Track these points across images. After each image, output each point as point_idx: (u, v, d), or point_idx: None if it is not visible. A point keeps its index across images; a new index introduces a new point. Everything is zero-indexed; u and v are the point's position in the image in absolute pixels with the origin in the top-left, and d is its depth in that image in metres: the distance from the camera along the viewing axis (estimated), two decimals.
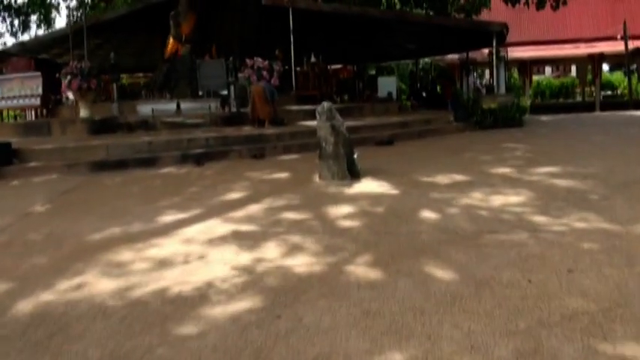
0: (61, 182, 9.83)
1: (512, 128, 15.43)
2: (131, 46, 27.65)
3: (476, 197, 6.69)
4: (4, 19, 24.79)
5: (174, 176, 9.90)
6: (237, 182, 8.77)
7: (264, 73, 14.85)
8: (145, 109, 14.50)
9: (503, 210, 6.03)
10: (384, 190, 7.42)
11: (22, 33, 25.71)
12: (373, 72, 32.54)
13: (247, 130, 13.51)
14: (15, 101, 19.36)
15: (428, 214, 6.01)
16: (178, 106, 14.51)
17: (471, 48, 24.38)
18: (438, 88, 24.18)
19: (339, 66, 33.10)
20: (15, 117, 22.94)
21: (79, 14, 22.79)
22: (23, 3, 25.81)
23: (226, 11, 21.06)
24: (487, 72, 31.30)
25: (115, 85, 15.33)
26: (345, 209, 6.45)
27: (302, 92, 19.54)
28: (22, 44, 24.07)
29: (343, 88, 29.93)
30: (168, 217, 6.64)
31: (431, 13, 24.15)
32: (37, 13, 26.13)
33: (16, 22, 25.49)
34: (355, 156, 8.34)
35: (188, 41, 20.45)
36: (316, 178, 8.36)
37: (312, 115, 15.85)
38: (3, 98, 19.36)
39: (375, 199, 6.90)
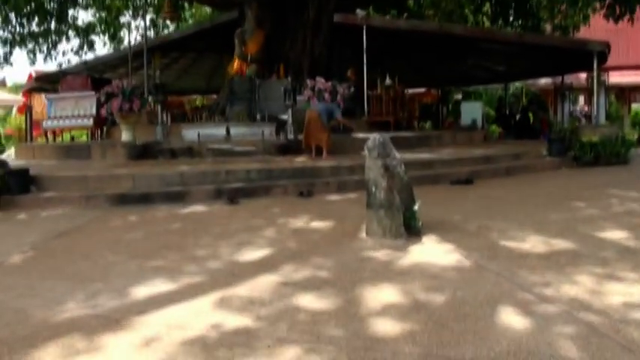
0: (68, 219, 8.39)
1: (616, 166, 12.87)
2: (201, 67, 26.63)
3: (584, 285, 4.47)
4: (67, 38, 24.00)
5: (196, 217, 8.10)
6: (265, 231, 6.85)
7: (327, 95, 12.96)
8: (190, 134, 12.88)
9: (628, 317, 3.80)
10: (449, 260, 5.27)
11: (87, 52, 24.88)
12: (459, 97, 30.22)
13: (301, 161, 11.62)
14: (67, 121, 18.38)
15: (510, 319, 3.84)
16: (228, 131, 12.79)
17: (566, 71, 21.89)
18: (530, 115, 21.62)
19: (421, 90, 31.06)
20: (72, 138, 21.99)
21: (146, 33, 21.68)
22: (89, 22, 25.03)
23: (297, 29, 19.42)
24: (581, 99, 28.47)
25: (159, 107, 13.74)
26: (389, 295, 4.38)
27: (374, 118, 17.55)
28: (85, 63, 23.31)
29: (426, 114, 27.86)
30: (148, 289, 4.83)
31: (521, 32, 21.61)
32: (105, 32, 25.31)
33: (76, 41, 24.71)
34: (416, 206, 6.24)
35: (254, 61, 18.93)
36: (363, 233, 6.33)
37: None
38: (55, 118, 18.43)
39: (435, 277, 4.78)
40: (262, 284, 4.79)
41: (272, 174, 10.21)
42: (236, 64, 19.36)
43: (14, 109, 30.39)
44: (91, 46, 25.63)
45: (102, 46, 26.70)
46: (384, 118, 17.72)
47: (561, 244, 5.72)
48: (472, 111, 19.46)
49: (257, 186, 9.77)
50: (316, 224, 7.17)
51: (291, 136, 12.93)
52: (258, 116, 14.98)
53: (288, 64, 19.16)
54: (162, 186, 9.97)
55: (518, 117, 22.24)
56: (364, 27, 16.78)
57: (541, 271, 4.83)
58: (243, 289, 4.69)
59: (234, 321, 3.98)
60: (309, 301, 4.33)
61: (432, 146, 14.68)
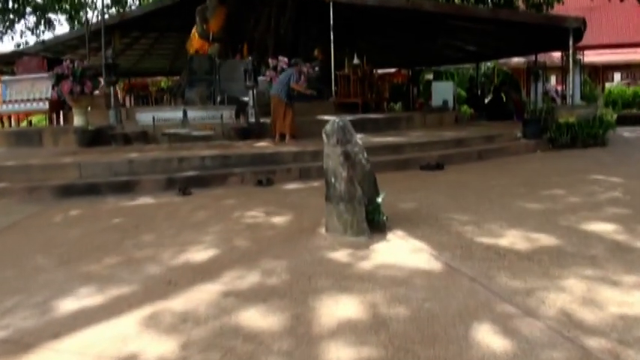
0: (4, 214, 7.60)
1: (594, 148, 12.34)
2: (164, 47, 25.61)
3: (572, 292, 3.86)
4: (24, 16, 22.89)
5: (142, 211, 7.34)
6: (214, 227, 6.15)
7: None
8: (145, 117, 12.04)
9: (628, 337, 3.19)
10: (417, 261, 4.62)
11: (45, 31, 23.79)
12: (430, 77, 29.59)
13: (261, 146, 10.89)
14: (23, 105, 17.37)
15: (488, 341, 3.20)
16: (185, 114, 11.98)
17: (540, 49, 21.27)
18: (503, 95, 21.05)
19: (392, 70, 30.37)
20: (30, 123, 20.98)
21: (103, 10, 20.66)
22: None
23: (261, 6, 18.56)
24: (553, 79, 28.00)
25: (112, 89, 12.87)
26: (346, 309, 3.72)
27: (342, 99, 16.83)
28: (43, 42, 22.20)
29: (397, 95, 27.18)
30: (71, 304, 4.20)
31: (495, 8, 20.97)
32: (63, 11, 24.18)
33: (32, 19, 23.60)
34: (380, 199, 5.57)
35: (217, 40, 18.07)
36: (323, 229, 5.66)
37: None
38: (10, 102, 17.41)
39: (401, 284, 4.12)
40: (200, 296, 4.11)
41: (229, 161, 9.48)
42: (197, 42, 18.47)
43: None
44: (50, 24, 24.55)
45: (61, 26, 25.56)
46: (352, 100, 17.01)
47: (543, 239, 5.10)
48: (443, 91, 18.80)
49: (212, 174, 9.05)
50: (272, 218, 6.47)
51: (252, 120, 12.17)
52: (218, 98, 14.17)
53: (253, 43, 18.35)
54: (110, 175, 9.20)
55: (490, 97, 21.68)
56: (331, 3, 16.00)
57: (522, 274, 4.20)
58: (178, 303, 4.00)
59: (158, 348, 3.29)
60: (251, 317, 3.66)
61: (401, 129, 14.02)
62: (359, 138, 10.70)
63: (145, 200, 8.06)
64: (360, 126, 13.42)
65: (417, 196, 7.29)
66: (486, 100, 21.88)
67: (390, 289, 4.00)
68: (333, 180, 5.50)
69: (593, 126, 12.88)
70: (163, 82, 31.43)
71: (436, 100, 18.47)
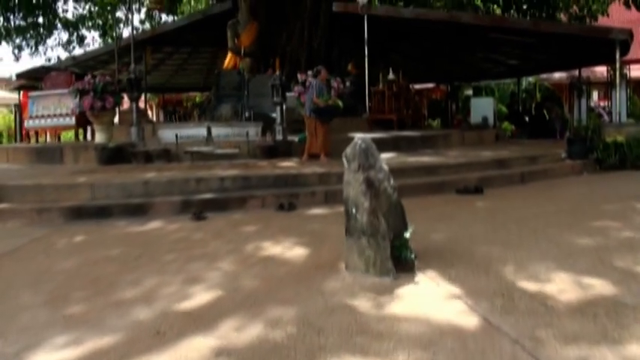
0: (8, 239, 7.10)
1: None
2: (196, 62, 25.38)
3: None
4: (53, 32, 22.80)
5: (149, 239, 6.75)
6: (223, 261, 5.50)
7: (309, 92, 11.56)
8: (167, 134, 11.54)
9: None
10: (449, 313, 3.89)
11: (76, 47, 23.68)
12: (470, 92, 28.72)
13: (286, 166, 10.26)
14: (49, 120, 17.14)
15: None
16: (209, 131, 11.43)
17: (584, 63, 20.39)
18: (545, 112, 20.12)
19: (430, 85, 29.58)
20: (58, 138, 20.75)
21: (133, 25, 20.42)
22: (80, 15, 23.75)
23: (293, 20, 18.06)
24: (595, 94, 26.83)
25: (135, 105, 12.40)
26: None
27: (376, 116, 16.14)
28: (74, 58, 22.07)
29: (435, 111, 26.38)
30: (44, 357, 3.52)
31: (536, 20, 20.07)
32: (96, 27, 24.02)
33: (66, 35, 23.54)
34: (408, 233, 4.84)
35: (248, 54, 17.61)
36: (343, 265, 4.96)
37: (381, 146, 12.53)
38: (37, 117, 17.19)
39: (428, 344, 3.39)
40: (188, 353, 3.45)
41: (249, 182, 8.86)
42: (229, 58, 18.07)
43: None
44: (82, 40, 24.44)
45: (93, 42, 25.45)
46: (386, 116, 16.31)
47: (597, 286, 4.31)
48: (483, 108, 17.97)
49: (231, 197, 8.43)
50: (288, 250, 5.79)
51: (279, 137, 11.56)
52: (246, 115, 13.61)
53: (285, 57, 17.82)
54: (123, 197, 8.67)
55: (532, 114, 20.75)
56: (365, 16, 15.37)
57: (575, 335, 3.44)
58: None
59: None
60: None
61: (437, 147, 13.26)
62: (391, 157, 10.03)
63: (156, 225, 7.48)
64: (393, 144, 12.79)
65: (452, 225, 6.53)
66: (528, 118, 20.93)
67: (414, 353, 3.28)
68: (354, 211, 4.80)
69: None
70: (198, 97, 31.18)
71: (475, 117, 17.66)
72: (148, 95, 32.12)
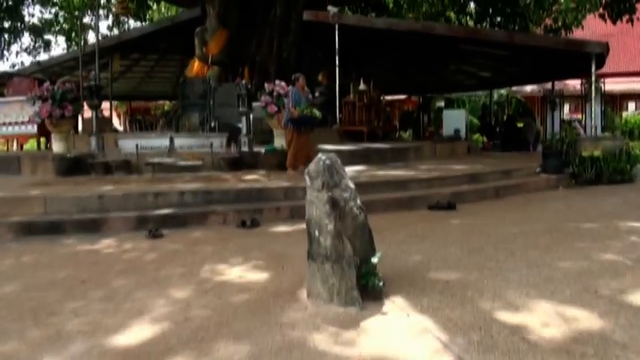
0: None
1: (620, 185, 11.14)
2: (165, 70, 24.88)
3: None
4: (20, 37, 22.13)
5: (98, 260, 6.22)
6: (174, 288, 5.01)
7: (287, 100, 11.13)
8: (127, 144, 11.00)
9: None
10: (421, 350, 3.47)
11: (41, 52, 23.02)
12: (442, 104, 28.55)
13: (252, 179, 9.79)
14: (11, 128, 16.47)
15: None
16: (172, 142, 10.91)
17: (558, 76, 20.32)
18: (518, 125, 19.93)
19: (402, 97, 29.36)
20: (21, 147, 20.05)
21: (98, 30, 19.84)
22: (45, 19, 23.09)
23: (263, 28, 17.63)
24: (566, 107, 26.80)
25: (95, 113, 11.84)
26: None
27: (346, 127, 15.76)
28: (39, 63, 21.43)
29: (407, 123, 26.12)
30: None
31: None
32: (60, 32, 23.39)
33: (27, 40, 22.90)
34: (376, 258, 4.41)
35: (216, 62, 17.14)
36: (304, 292, 4.51)
37: (351, 159, 12.10)
38: None
39: None
40: None
41: (211, 197, 8.37)
42: (196, 66, 17.58)
43: None
44: (47, 46, 23.78)
45: (58, 46, 24.85)
46: (357, 128, 15.93)
47: (583, 319, 3.92)
48: (455, 120, 17.68)
49: (190, 213, 7.94)
50: (247, 274, 5.33)
51: (245, 148, 11.10)
52: (212, 125, 13.12)
53: (254, 66, 17.42)
54: (77, 212, 8.13)
55: (504, 126, 20.55)
56: (336, 26, 15.03)
57: None
58: None
59: None
60: None
61: (409, 160, 12.92)
62: (361, 171, 9.60)
63: (108, 243, 6.96)
64: (363, 157, 12.40)
65: (423, 246, 6.12)
66: (500, 130, 20.73)
67: None
68: (317, 233, 4.37)
69: (620, 160, 11.70)
70: (166, 105, 30.58)
71: (447, 129, 17.36)
72: (116, 103, 31.51)
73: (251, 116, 12.47)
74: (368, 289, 4.27)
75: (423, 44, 17.20)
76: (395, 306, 4.23)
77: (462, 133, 17.13)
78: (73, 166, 11.12)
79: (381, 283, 4.26)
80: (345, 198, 4.37)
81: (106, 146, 11.95)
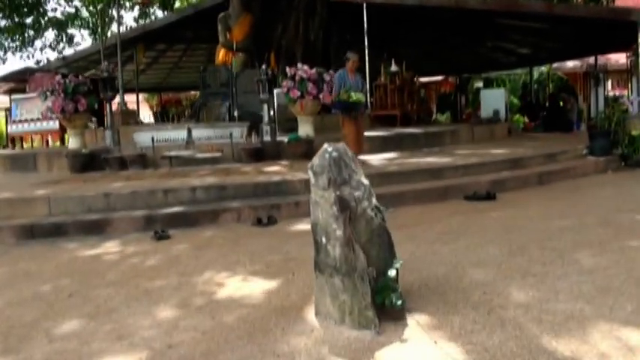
0: None
1: None
2: (193, 60, 24.19)
3: None
4: (43, 32, 21.79)
5: (95, 267, 5.60)
6: (165, 302, 4.35)
7: (310, 85, 10.41)
8: (143, 138, 10.41)
9: None
10: None
11: (66, 47, 22.65)
12: (480, 84, 27.42)
13: (272, 171, 9.09)
14: (33, 125, 16.17)
15: None
16: (189, 133, 10.28)
17: (601, 50, 19.13)
18: (560, 103, 18.82)
19: (438, 78, 28.34)
20: (46, 143, 19.76)
21: (119, 21, 19.38)
22: (68, 13, 22.68)
23: (288, 11, 16.86)
24: (608, 83, 25.41)
25: (109, 106, 11.27)
26: None
27: (378, 112, 14.94)
28: (64, 58, 21.04)
29: (445, 105, 25.18)
30: None
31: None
32: (83, 27, 22.99)
33: (52, 36, 22.57)
34: (393, 271, 3.65)
35: (241, 49, 16.41)
36: (312, 312, 3.80)
37: (383, 146, 11.32)
38: (21, 121, 16.19)
39: None
40: None
41: (225, 192, 7.69)
42: (221, 54, 16.90)
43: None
44: (71, 40, 23.41)
45: (84, 41, 24.52)
46: (389, 112, 15.09)
47: None
48: (494, 100, 16.62)
49: (202, 210, 7.28)
50: (251, 284, 4.63)
51: (267, 138, 10.40)
52: (235, 114, 12.45)
53: (280, 51, 16.68)
54: (82, 212, 7.57)
55: (546, 106, 19.46)
56: (364, 5, 14.18)
57: None
58: None
59: None
60: None
61: (444, 145, 12.06)
62: (392, 158, 8.81)
63: (110, 247, 6.36)
64: (395, 143, 11.58)
65: (458, 247, 5.32)
66: (542, 110, 19.64)
67: None
68: (323, 240, 3.64)
69: None
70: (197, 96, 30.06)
71: (486, 110, 16.36)
72: (147, 95, 31.14)
73: (275, 103, 11.80)
74: (386, 309, 3.53)
75: (457, 21, 16.26)
76: (419, 328, 3.48)
77: (502, 114, 16.11)
78: (88, 163, 10.63)
79: (399, 302, 3.50)
80: (356, 197, 3.63)
81: (122, 140, 11.38)
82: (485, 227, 6.07)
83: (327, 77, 10.52)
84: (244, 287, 4.54)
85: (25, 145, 17.81)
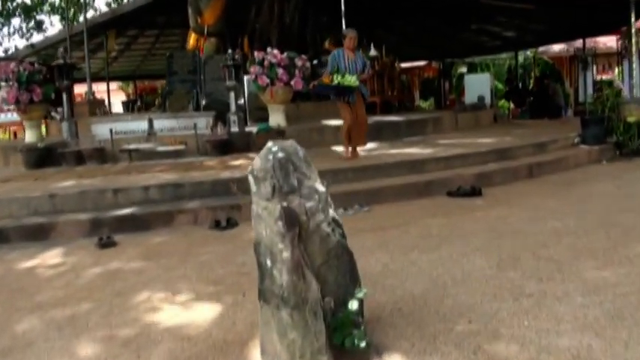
0: None
1: None
2: (166, 47, 23.19)
3: None
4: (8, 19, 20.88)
5: (21, 285, 4.83)
6: (83, 335, 3.61)
7: (280, 71, 9.65)
8: (102, 129, 9.60)
9: None
10: None
11: (34, 34, 21.76)
12: (464, 70, 26.76)
13: (239, 165, 8.32)
14: None
15: None
16: (151, 125, 9.49)
17: (590, 32, 18.50)
18: (547, 87, 18.18)
19: (421, 63, 27.64)
20: (14, 135, 18.93)
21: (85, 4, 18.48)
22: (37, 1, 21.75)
23: None
24: (594, 68, 24.77)
25: (65, 95, 10.43)
26: None
27: None
28: (32, 46, 20.16)
29: (428, 91, 24.54)
30: None
31: None
32: (53, 12, 22.06)
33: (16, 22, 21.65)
34: (356, 303, 2.91)
35: (213, 34, 15.60)
36: (257, 350, 3.05)
37: None
38: None
39: None
40: None
41: (181, 191, 6.94)
42: (192, 39, 16.09)
43: None
44: (39, 26, 22.47)
45: (53, 27, 23.52)
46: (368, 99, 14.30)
47: None
48: (478, 86, 15.91)
49: (155, 212, 6.51)
50: (192, 310, 3.88)
51: (234, 129, 9.63)
52: (202, 102, 11.65)
53: (254, 35, 15.88)
54: (27, 215, 6.79)
55: (533, 91, 18.81)
56: None
57: None
58: None
59: None
60: None
61: (426, 134, 11.36)
62: (370, 150, 8.08)
63: (48, 258, 5.59)
64: (375, 132, 10.81)
65: (437, 256, 4.59)
66: (529, 95, 19.00)
67: None
68: (269, 264, 2.90)
69: None
70: None
71: (470, 96, 15.65)
72: (121, 84, 30.21)
73: (246, 91, 11.03)
74: (346, 349, 2.80)
75: (441, 2, 15.51)
76: None
77: (487, 100, 15.40)
78: (44, 158, 9.82)
79: (363, 343, 2.77)
80: (308, 209, 2.89)
81: (84, 133, 10.56)
82: (470, 231, 5.34)
83: (298, 62, 9.77)
84: (183, 313, 3.80)
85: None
